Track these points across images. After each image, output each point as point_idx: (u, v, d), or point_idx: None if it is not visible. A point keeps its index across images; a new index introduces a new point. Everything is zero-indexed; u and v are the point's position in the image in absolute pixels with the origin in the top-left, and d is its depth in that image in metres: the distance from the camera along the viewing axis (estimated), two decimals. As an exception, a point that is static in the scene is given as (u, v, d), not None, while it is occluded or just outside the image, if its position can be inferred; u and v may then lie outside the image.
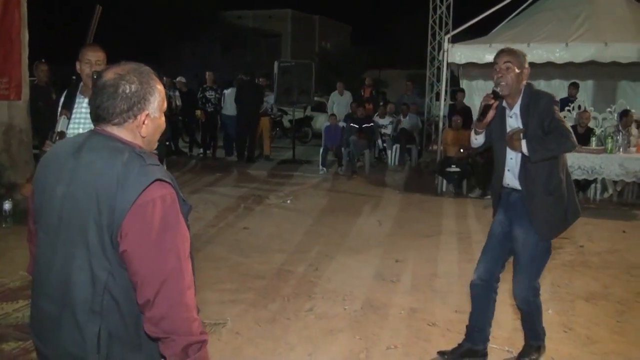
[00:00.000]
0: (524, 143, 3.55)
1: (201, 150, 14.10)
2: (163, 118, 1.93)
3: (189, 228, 1.85)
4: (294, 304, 4.89)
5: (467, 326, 4.04)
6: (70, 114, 3.86)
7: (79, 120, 3.90)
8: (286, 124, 18.15)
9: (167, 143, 12.39)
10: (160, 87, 1.89)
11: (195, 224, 7.40)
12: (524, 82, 3.67)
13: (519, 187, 3.74)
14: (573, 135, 3.57)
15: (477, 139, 3.91)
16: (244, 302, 4.87)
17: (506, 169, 3.79)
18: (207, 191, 9.77)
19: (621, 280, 5.69)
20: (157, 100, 1.86)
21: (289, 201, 9.13)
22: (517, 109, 3.69)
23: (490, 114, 3.72)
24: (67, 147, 1.87)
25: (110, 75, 1.80)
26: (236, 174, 11.85)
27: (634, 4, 11.47)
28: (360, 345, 4.15)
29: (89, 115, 3.88)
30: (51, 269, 1.80)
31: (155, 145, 1.97)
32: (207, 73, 14.04)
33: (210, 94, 13.65)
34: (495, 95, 3.66)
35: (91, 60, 3.82)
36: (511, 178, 3.78)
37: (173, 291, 1.71)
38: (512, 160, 3.73)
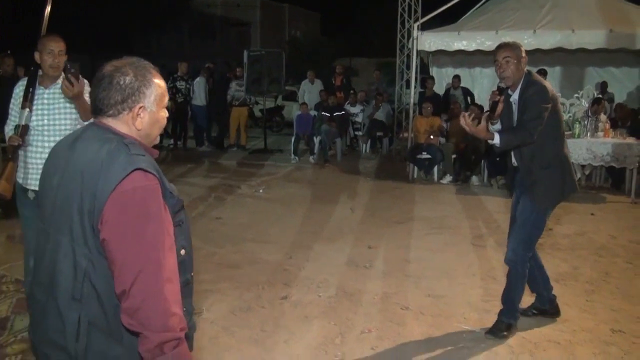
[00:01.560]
0: (497, 138, 3.86)
1: (172, 141, 13.97)
2: (162, 113, 1.92)
3: (181, 223, 1.86)
4: (269, 292, 4.91)
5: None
6: (32, 105, 3.79)
7: (41, 111, 3.84)
8: (257, 113, 18.08)
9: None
10: (158, 82, 1.88)
11: (167, 215, 7.37)
12: (525, 70, 4.02)
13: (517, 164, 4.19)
14: (529, 137, 3.86)
15: (496, 126, 4.18)
16: (219, 292, 4.87)
17: (512, 150, 4.17)
18: (179, 182, 9.70)
19: (589, 261, 5.81)
20: (153, 94, 1.86)
21: (261, 191, 9.12)
22: (516, 95, 4.04)
23: (500, 107, 4.06)
24: (67, 139, 1.90)
25: (107, 67, 1.82)
26: (207, 165, 11.79)
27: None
28: (335, 330, 4.19)
29: (51, 106, 3.84)
30: (43, 258, 1.82)
31: (155, 139, 1.96)
32: (180, 63, 13.89)
33: (180, 84, 13.51)
34: (500, 90, 3.90)
35: (54, 50, 3.78)
36: (514, 158, 4.22)
37: (149, 282, 1.67)
38: None
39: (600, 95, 9.97)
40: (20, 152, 3.82)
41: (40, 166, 3.83)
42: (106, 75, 1.81)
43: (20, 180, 3.87)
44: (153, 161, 1.80)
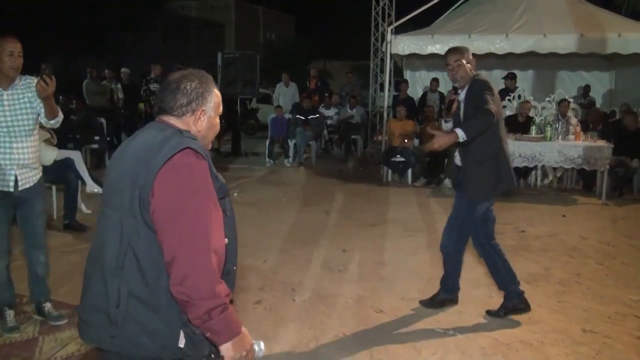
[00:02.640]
0: (459, 131, 3.97)
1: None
2: (217, 120, 2.13)
3: (226, 212, 2.00)
4: (243, 296, 4.87)
5: (440, 281, 4.74)
6: None
7: (2, 112, 3.84)
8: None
9: (109, 138, 12.16)
10: (217, 92, 2.11)
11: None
12: (473, 71, 4.28)
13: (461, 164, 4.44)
14: (489, 115, 4.02)
15: (448, 125, 4.49)
16: (192, 296, 4.83)
17: (457, 148, 4.46)
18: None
19: (561, 262, 5.88)
20: (213, 101, 2.08)
21: (235, 194, 9.07)
22: (463, 94, 4.31)
23: (455, 105, 4.39)
24: (130, 138, 2.08)
25: (175, 75, 2.05)
26: (182, 167, 11.68)
27: (572, -3, 11.81)
28: (310, 334, 4.18)
29: (12, 107, 3.82)
30: (98, 235, 2.00)
31: (210, 143, 2.18)
32: (153, 65, 13.76)
33: (154, 87, 13.37)
34: (455, 90, 4.37)
35: (14, 52, 3.79)
36: (458, 157, 4.47)
37: (197, 250, 1.79)
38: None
39: (565, 97, 10.06)
40: None
41: (8, 167, 3.86)
42: (174, 81, 2.02)
43: None
44: (204, 148, 1.96)
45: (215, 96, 2.08)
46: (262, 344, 2.06)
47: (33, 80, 3.93)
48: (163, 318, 1.87)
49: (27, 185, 3.99)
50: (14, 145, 3.87)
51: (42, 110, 3.90)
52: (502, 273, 4.48)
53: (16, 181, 3.92)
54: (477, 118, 4.05)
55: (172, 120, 2.02)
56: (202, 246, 1.80)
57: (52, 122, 3.97)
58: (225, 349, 1.87)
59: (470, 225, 4.42)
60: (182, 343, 1.90)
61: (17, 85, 3.90)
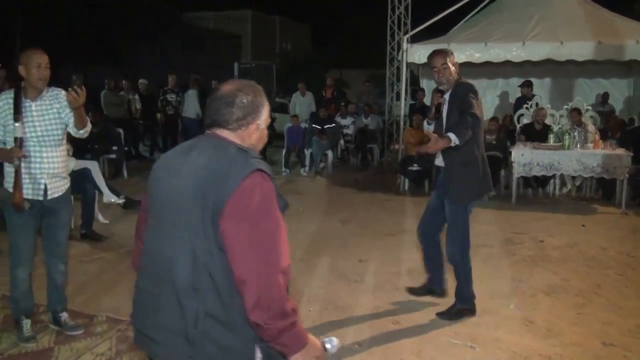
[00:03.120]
0: (452, 136, 4.05)
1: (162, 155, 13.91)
2: (266, 130, 2.14)
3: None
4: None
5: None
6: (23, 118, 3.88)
7: (32, 123, 3.93)
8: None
9: (126, 148, 12.24)
10: (267, 104, 2.12)
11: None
12: (456, 75, 4.44)
13: (442, 164, 4.55)
14: (477, 119, 4.18)
15: (431, 127, 4.66)
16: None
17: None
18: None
19: (580, 273, 5.80)
20: (265, 114, 2.09)
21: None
22: (447, 95, 4.47)
23: (442, 108, 4.51)
24: (180, 148, 2.12)
25: (229, 87, 2.05)
26: (198, 177, 11.72)
27: (588, 4, 11.71)
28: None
29: (41, 118, 3.92)
30: (156, 253, 1.99)
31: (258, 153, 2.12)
32: (170, 76, 13.88)
33: (171, 97, 13.50)
34: (441, 92, 4.48)
35: (42, 64, 3.89)
36: (440, 157, 4.55)
37: (269, 272, 1.82)
38: None
39: (579, 106, 9.97)
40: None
41: (39, 176, 3.95)
42: (229, 94, 2.02)
43: (11, 190, 3.91)
44: (269, 166, 1.95)
45: (267, 108, 2.10)
46: (335, 341, 2.13)
47: (60, 92, 4.04)
48: (238, 335, 1.90)
49: (56, 195, 4.07)
50: (44, 155, 3.96)
51: (71, 120, 4.00)
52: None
53: (45, 190, 3.99)
54: (467, 122, 4.11)
55: (225, 133, 2.02)
56: (274, 269, 1.84)
57: (81, 131, 4.07)
58: (295, 359, 1.92)
59: (459, 229, 4.51)
60: (258, 358, 1.95)
61: (45, 96, 3.99)
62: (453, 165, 4.42)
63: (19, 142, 3.84)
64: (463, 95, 4.27)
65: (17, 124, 3.83)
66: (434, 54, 4.46)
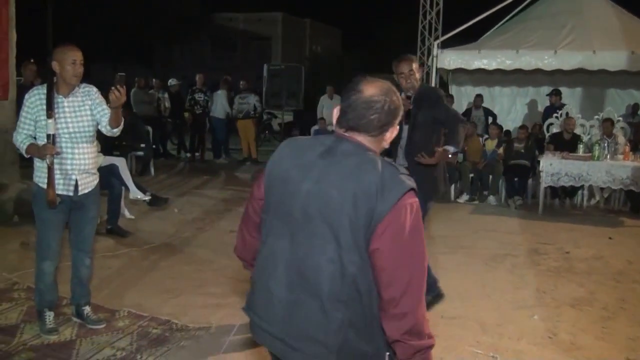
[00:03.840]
0: (450, 148, 4.47)
1: (189, 154, 14.01)
2: None
3: None
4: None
5: None
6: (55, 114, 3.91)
7: (64, 119, 3.96)
8: (275, 127, 18.12)
9: (154, 146, 12.35)
10: None
11: (181, 227, 7.37)
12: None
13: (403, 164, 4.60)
14: (465, 123, 4.74)
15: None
16: (228, 306, 4.83)
17: (399, 147, 4.72)
18: (194, 194, 9.73)
19: (606, 286, 5.70)
20: (400, 115, 2.03)
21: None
22: (412, 101, 4.62)
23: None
24: (308, 147, 2.01)
25: (372, 90, 1.95)
26: (224, 177, 11.81)
27: (623, 14, 11.56)
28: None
29: (73, 114, 3.97)
30: (288, 257, 1.95)
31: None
32: (198, 75, 13.98)
33: (199, 96, 13.59)
34: (409, 98, 4.59)
35: (77, 60, 3.91)
36: (402, 156, 4.71)
37: (416, 292, 1.86)
38: (403, 139, 4.66)
39: (611, 117, 9.81)
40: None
41: (70, 172, 3.98)
42: (376, 100, 1.94)
43: (44, 185, 3.95)
44: (405, 175, 1.92)
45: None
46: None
47: (92, 88, 4.09)
48: (374, 344, 1.93)
49: (86, 190, 4.10)
50: (76, 151, 3.99)
51: (105, 118, 4.04)
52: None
53: (76, 186, 4.03)
54: (456, 130, 4.48)
55: (364, 139, 1.96)
56: (420, 288, 1.88)
57: (114, 130, 4.10)
58: None
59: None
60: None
61: (77, 92, 4.02)
62: (419, 164, 4.51)
63: (52, 138, 3.87)
64: (436, 101, 4.61)
65: (49, 121, 3.86)
66: (402, 60, 4.61)
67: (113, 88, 3.79)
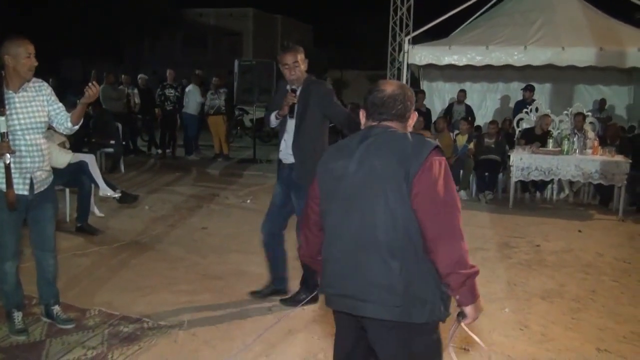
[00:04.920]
0: None
1: (159, 150, 13.86)
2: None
3: None
4: (252, 304, 4.84)
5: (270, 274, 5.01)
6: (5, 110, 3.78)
7: (16, 115, 3.82)
8: (247, 123, 18.03)
9: (124, 142, 12.20)
10: None
11: (151, 224, 7.30)
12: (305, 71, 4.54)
13: (289, 161, 4.60)
14: (351, 114, 4.63)
15: (276, 122, 4.72)
16: (200, 303, 4.80)
17: (283, 140, 4.65)
18: (166, 190, 9.64)
19: (576, 278, 5.78)
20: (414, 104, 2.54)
21: (248, 201, 9.06)
22: (298, 90, 4.52)
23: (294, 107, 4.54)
24: (347, 142, 2.48)
25: (393, 88, 2.45)
26: (195, 174, 11.72)
27: (591, 10, 11.70)
28: (318, 345, 4.12)
29: (25, 109, 3.82)
30: (347, 226, 2.34)
31: None
32: (168, 71, 13.83)
33: (169, 92, 13.44)
34: (294, 91, 4.50)
35: (31, 53, 3.81)
36: (286, 150, 4.62)
37: (456, 230, 2.24)
38: (288, 132, 4.59)
39: (582, 111, 9.94)
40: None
41: (24, 170, 3.84)
42: (399, 93, 2.44)
43: (2, 186, 3.82)
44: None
45: None
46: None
47: (43, 83, 3.97)
48: (429, 286, 2.29)
49: (42, 188, 4.00)
50: (30, 148, 3.86)
51: (59, 116, 3.96)
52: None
53: (32, 184, 3.92)
54: (351, 128, 4.25)
55: (394, 125, 2.43)
56: (458, 224, 2.25)
57: (75, 127, 4.02)
58: (469, 310, 2.30)
59: (299, 208, 4.48)
60: (442, 306, 2.32)
61: (28, 87, 3.90)
62: (305, 160, 4.42)
63: (6, 136, 3.73)
64: (325, 95, 4.51)
65: (1, 118, 3.71)
66: (286, 51, 4.50)
67: (90, 84, 3.73)
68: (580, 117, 9.58)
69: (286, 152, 4.63)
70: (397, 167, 2.25)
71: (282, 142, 4.66)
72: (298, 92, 4.52)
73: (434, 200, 2.22)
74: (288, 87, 4.55)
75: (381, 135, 2.37)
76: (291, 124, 4.56)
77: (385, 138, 2.35)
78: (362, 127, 2.50)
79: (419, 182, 2.22)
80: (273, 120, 4.71)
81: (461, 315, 2.36)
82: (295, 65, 4.44)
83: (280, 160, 4.76)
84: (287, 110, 4.53)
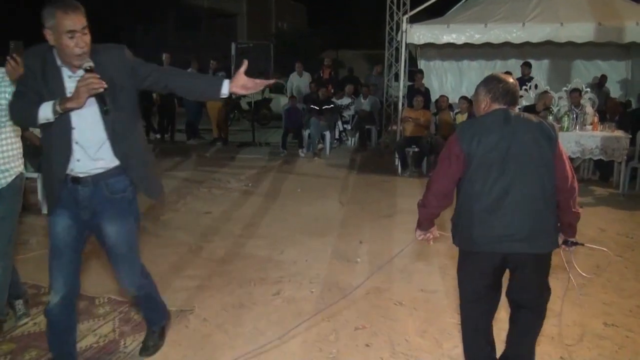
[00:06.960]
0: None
1: (158, 135, 13.84)
2: None
3: None
4: (261, 288, 4.87)
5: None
6: None
7: None
8: (245, 106, 17.98)
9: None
10: None
11: (155, 210, 7.31)
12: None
13: (88, 174, 3.13)
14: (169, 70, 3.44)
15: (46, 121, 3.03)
16: (209, 288, 4.83)
17: (74, 146, 3.05)
18: (167, 176, 9.63)
19: (579, 254, 5.79)
20: None
21: (250, 184, 9.07)
22: (88, 63, 2.94)
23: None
24: (493, 120, 3.06)
25: (510, 79, 3.16)
26: (196, 158, 11.71)
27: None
28: (329, 327, 4.15)
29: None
30: (494, 186, 3.01)
31: None
32: (165, 55, 13.73)
33: (167, 77, 13.35)
34: (92, 70, 2.92)
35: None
36: (85, 160, 3.10)
37: (574, 176, 3.13)
38: (77, 130, 3.04)
39: (579, 87, 9.93)
40: None
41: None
42: (515, 84, 3.16)
43: None
44: None
45: None
46: None
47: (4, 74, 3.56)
48: (552, 223, 3.14)
49: None
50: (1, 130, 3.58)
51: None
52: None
53: None
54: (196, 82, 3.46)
55: (516, 109, 3.18)
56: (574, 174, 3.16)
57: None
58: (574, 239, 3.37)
59: (136, 245, 3.62)
60: (557, 234, 3.27)
61: None
62: (136, 166, 3.32)
63: None
64: (135, 58, 3.21)
65: None
66: (68, 11, 2.87)
67: (9, 58, 3.30)
68: (576, 93, 9.57)
69: (88, 159, 3.09)
70: (543, 142, 2.98)
71: (74, 146, 3.03)
72: (87, 63, 2.94)
73: (565, 160, 3.04)
74: (81, 68, 2.94)
75: (517, 117, 3.05)
76: (94, 117, 3.02)
77: (525, 118, 3.05)
78: (483, 110, 3.13)
79: (559, 155, 3.03)
80: (42, 117, 2.94)
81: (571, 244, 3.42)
82: (85, 32, 2.93)
83: (69, 177, 3.11)
84: (84, 103, 2.91)
